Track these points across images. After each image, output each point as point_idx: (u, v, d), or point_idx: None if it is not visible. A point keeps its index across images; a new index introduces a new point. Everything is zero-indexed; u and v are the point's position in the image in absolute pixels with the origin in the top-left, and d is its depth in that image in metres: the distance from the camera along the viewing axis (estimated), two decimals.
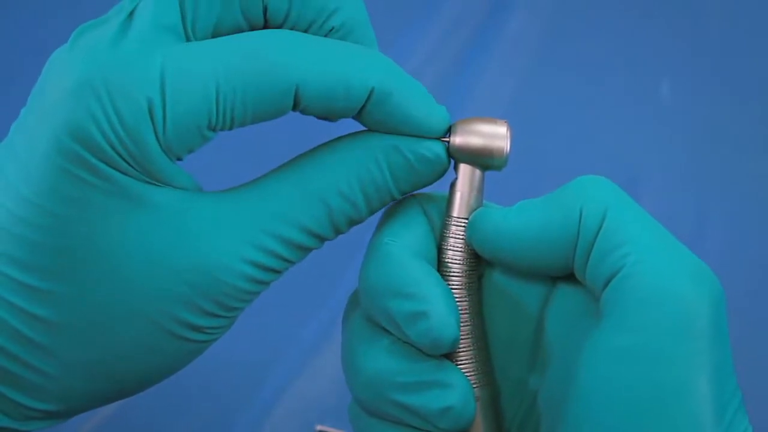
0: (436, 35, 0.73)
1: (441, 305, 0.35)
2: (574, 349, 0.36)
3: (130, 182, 0.34)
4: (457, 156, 0.37)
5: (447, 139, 0.37)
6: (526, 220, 0.36)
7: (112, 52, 0.34)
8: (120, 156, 0.34)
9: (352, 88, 0.35)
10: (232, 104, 0.35)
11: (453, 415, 0.35)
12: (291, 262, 0.37)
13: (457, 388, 0.35)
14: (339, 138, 0.37)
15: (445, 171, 0.37)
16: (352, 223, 0.37)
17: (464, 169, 0.37)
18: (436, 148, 0.36)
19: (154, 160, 0.34)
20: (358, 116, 0.36)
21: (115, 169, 0.34)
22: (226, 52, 0.35)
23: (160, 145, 0.34)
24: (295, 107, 0.36)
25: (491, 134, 0.36)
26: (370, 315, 0.37)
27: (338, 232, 0.37)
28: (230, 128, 0.35)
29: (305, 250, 0.37)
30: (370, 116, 0.36)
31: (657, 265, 0.33)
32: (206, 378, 0.56)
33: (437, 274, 0.36)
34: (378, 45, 0.38)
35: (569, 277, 0.37)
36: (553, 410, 0.37)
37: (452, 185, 0.37)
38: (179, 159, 0.36)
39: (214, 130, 0.35)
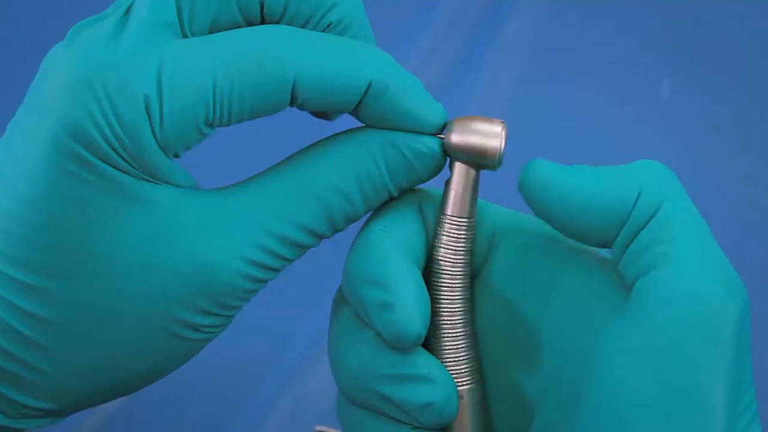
0: (434, 35, 0.73)
1: (409, 299, 0.35)
2: (577, 349, 0.36)
3: (127, 179, 0.34)
4: (452, 154, 0.37)
5: (443, 136, 0.37)
6: (581, 185, 0.35)
7: (108, 49, 0.34)
8: (117, 153, 0.34)
9: (350, 82, 0.35)
10: (229, 99, 0.35)
11: (434, 411, 0.35)
12: (288, 260, 0.37)
13: (440, 384, 0.35)
14: (336, 134, 0.37)
15: (441, 167, 0.37)
16: (350, 220, 0.37)
17: (459, 167, 0.37)
18: (432, 144, 0.36)
19: (151, 156, 0.34)
20: (355, 111, 0.36)
21: (112, 166, 0.34)
22: (223, 47, 0.35)
23: (157, 141, 0.34)
24: (293, 102, 0.36)
25: (486, 133, 0.36)
26: (349, 300, 0.37)
27: (336, 229, 0.37)
28: (228, 124, 0.35)
29: (302, 247, 0.37)
30: (368, 110, 0.36)
31: (694, 269, 0.33)
32: (206, 377, 0.56)
33: (416, 269, 0.36)
34: (377, 44, 0.38)
35: (571, 275, 0.37)
36: (548, 411, 0.37)
37: (447, 183, 0.37)
38: (176, 156, 0.35)
39: (211, 125, 0.35)
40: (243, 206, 0.36)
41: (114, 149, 0.34)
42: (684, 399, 0.32)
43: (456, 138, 0.36)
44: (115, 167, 0.34)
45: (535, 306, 0.38)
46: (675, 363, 0.32)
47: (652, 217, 0.34)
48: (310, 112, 0.39)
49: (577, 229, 0.35)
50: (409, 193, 0.38)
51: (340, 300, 0.38)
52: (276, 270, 0.37)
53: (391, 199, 0.38)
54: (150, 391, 0.39)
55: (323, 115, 0.39)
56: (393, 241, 0.36)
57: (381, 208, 0.38)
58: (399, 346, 0.35)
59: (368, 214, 0.38)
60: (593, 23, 0.74)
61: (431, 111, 0.36)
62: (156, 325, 0.36)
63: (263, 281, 0.37)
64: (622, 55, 0.73)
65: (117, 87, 0.34)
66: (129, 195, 0.35)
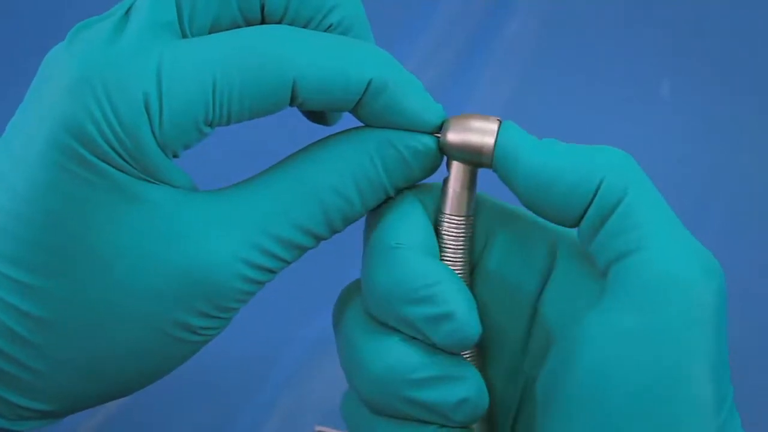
0: (434, 35, 0.73)
1: (464, 305, 0.35)
2: (571, 330, 0.36)
3: (125, 179, 0.34)
4: (448, 152, 0.37)
5: (439, 135, 0.36)
6: (546, 164, 0.35)
7: (108, 49, 0.34)
8: (116, 152, 0.34)
9: (350, 81, 0.35)
10: (229, 98, 0.35)
11: (469, 407, 0.35)
12: (286, 262, 0.37)
13: (471, 379, 0.36)
14: (333, 135, 0.37)
15: (437, 165, 0.37)
16: (348, 220, 0.37)
17: (456, 165, 0.37)
18: (429, 142, 0.36)
19: (150, 156, 0.34)
20: (354, 110, 0.36)
21: (111, 165, 0.34)
22: (223, 47, 0.35)
23: (157, 140, 0.34)
24: (292, 101, 0.35)
25: (482, 130, 0.36)
26: (378, 317, 0.36)
27: (334, 230, 0.37)
28: (227, 123, 0.35)
29: (301, 249, 0.37)
30: (367, 109, 0.36)
31: (671, 252, 0.34)
32: (206, 378, 0.56)
33: (451, 270, 0.36)
34: (377, 44, 0.38)
35: (567, 258, 0.37)
36: (547, 389, 0.37)
37: (444, 182, 0.37)
38: (175, 156, 0.35)
39: (211, 125, 0.35)
40: (240, 207, 0.36)
41: (113, 148, 0.34)
42: (674, 380, 0.32)
43: (452, 136, 0.36)
44: (114, 166, 0.34)
45: (534, 287, 0.37)
46: (663, 346, 0.33)
47: (618, 202, 0.34)
48: (309, 117, 0.39)
49: (538, 206, 0.36)
50: (406, 191, 0.37)
51: (344, 309, 0.38)
52: (273, 272, 0.36)
53: (388, 199, 0.37)
54: (150, 392, 0.39)
55: (321, 120, 0.39)
56: (417, 250, 0.36)
57: (384, 212, 0.37)
58: (461, 350, 0.36)
59: (365, 216, 0.38)
60: (593, 23, 0.74)
61: (430, 110, 0.36)
62: (152, 325, 0.35)
63: (260, 283, 0.36)
64: (622, 55, 0.72)
65: (116, 86, 0.34)
66: (127, 194, 0.34)
